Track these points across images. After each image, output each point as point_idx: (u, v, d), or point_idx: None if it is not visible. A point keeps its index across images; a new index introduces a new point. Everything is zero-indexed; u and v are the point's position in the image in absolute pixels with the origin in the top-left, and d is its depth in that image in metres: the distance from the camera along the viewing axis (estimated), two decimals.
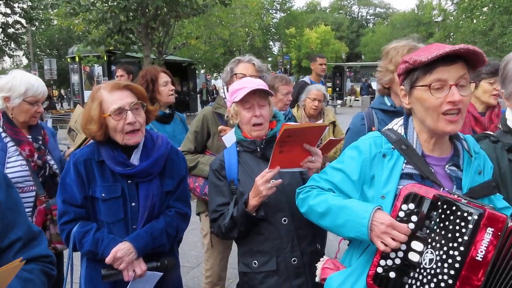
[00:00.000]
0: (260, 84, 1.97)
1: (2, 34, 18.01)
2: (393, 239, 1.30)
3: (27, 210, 2.37)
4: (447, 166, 1.45)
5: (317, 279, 1.63)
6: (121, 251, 1.83)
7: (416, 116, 1.47)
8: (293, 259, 1.88)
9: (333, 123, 4.08)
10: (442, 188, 1.37)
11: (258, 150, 1.97)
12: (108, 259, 1.82)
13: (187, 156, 2.71)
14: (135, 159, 1.95)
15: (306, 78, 5.46)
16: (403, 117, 1.56)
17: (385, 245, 1.31)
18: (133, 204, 1.92)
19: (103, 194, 1.89)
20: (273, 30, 35.56)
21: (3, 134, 2.39)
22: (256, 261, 1.91)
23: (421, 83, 1.37)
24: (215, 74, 33.79)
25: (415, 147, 1.46)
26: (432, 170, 1.43)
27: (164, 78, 2.95)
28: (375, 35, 49.17)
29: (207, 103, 19.26)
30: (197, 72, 26.65)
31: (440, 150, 1.47)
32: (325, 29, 45.99)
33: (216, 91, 20.99)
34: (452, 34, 27.55)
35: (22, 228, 1.12)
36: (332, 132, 4.01)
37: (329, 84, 25.08)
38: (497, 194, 1.50)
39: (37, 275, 1.12)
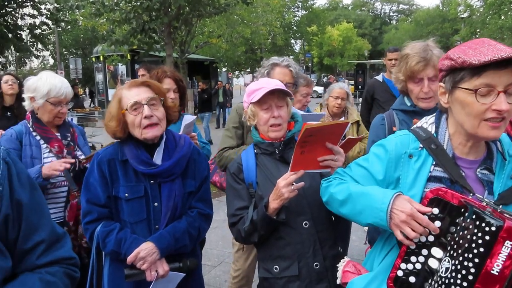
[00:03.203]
0: (278, 84, 1.92)
1: (29, 35, 18.50)
2: (413, 230, 1.25)
3: (60, 205, 2.44)
4: (479, 169, 1.37)
5: (338, 282, 1.60)
6: (144, 251, 1.83)
7: (453, 117, 1.37)
8: (315, 263, 1.83)
9: (357, 123, 4.00)
10: (471, 194, 1.29)
11: (277, 152, 1.92)
12: (129, 258, 1.83)
13: (229, 152, 2.63)
14: (157, 158, 1.95)
15: (379, 76, 4.64)
16: (434, 114, 1.48)
17: (405, 236, 1.26)
18: (155, 204, 1.92)
19: (126, 194, 1.90)
20: (294, 28, 35.35)
21: (34, 133, 2.47)
22: (277, 266, 1.87)
23: (466, 86, 1.26)
24: (236, 72, 33.88)
25: (446, 147, 1.38)
26: (463, 174, 1.35)
27: (167, 84, 2.85)
28: (399, 32, 48.33)
29: (224, 106, 17.97)
30: (219, 70, 26.79)
31: (475, 154, 1.39)
32: (347, 27, 45.44)
33: (230, 91, 19.34)
34: (478, 30, 26.75)
35: (46, 230, 1.12)
36: (356, 131, 3.93)
37: (352, 82, 24.74)
38: None
39: (60, 277, 1.11)
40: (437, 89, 1.42)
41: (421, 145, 1.40)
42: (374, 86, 4.59)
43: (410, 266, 1.31)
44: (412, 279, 1.30)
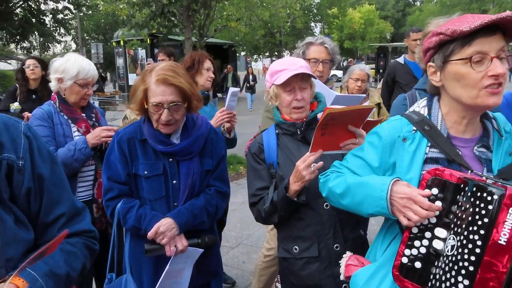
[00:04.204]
0: (302, 66, 1.88)
1: (52, 20, 18.79)
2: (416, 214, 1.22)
3: (88, 183, 2.51)
4: (476, 147, 1.33)
5: (341, 277, 1.55)
6: (164, 226, 1.87)
7: (448, 94, 1.34)
8: (335, 245, 1.82)
9: (378, 105, 3.95)
10: (469, 171, 1.26)
11: (298, 132, 1.90)
12: (150, 233, 1.87)
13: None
14: (175, 138, 1.98)
15: (401, 58, 4.57)
16: (426, 98, 1.44)
17: (409, 219, 1.24)
18: (174, 181, 1.95)
19: (145, 172, 1.93)
20: (314, 10, 34.72)
21: (61, 113, 2.51)
22: (297, 247, 1.87)
23: (458, 57, 1.24)
24: (255, 56, 33.65)
25: (440, 128, 1.35)
26: (460, 153, 1.31)
27: (208, 64, 3.05)
28: (423, 14, 46.84)
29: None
30: (237, 54, 26.65)
31: (471, 132, 1.36)
32: (369, 9, 44.34)
33: (254, 76, 18.27)
34: (508, 11, 25.65)
35: (66, 204, 1.15)
36: (377, 114, 3.88)
37: (373, 66, 24.27)
38: None
39: (79, 248, 1.15)
40: None
41: (414, 128, 1.37)
42: (395, 69, 4.50)
43: (414, 252, 1.26)
44: (418, 264, 1.26)
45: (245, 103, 17.67)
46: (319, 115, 1.89)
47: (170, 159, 1.96)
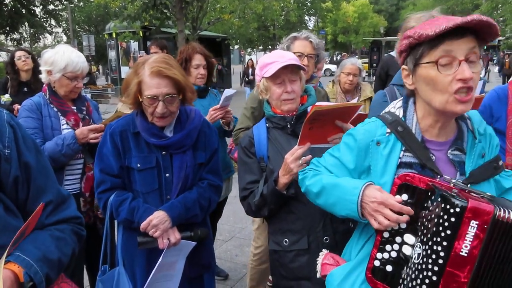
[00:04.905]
0: (291, 58, 1.90)
1: (42, 11, 18.55)
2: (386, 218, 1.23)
3: (75, 176, 2.49)
4: (449, 150, 1.33)
5: (318, 275, 1.57)
6: (157, 219, 1.88)
7: (420, 97, 1.33)
8: (325, 238, 1.84)
9: (370, 99, 3.97)
10: (439, 176, 1.27)
11: (288, 126, 1.91)
12: (143, 225, 1.88)
13: (245, 132, 2.60)
14: (168, 131, 1.98)
15: (394, 52, 4.81)
16: (402, 98, 1.44)
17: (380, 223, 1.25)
18: (167, 174, 1.96)
19: (138, 165, 1.93)
20: (308, 4, 34.62)
21: (51, 105, 2.49)
22: (287, 240, 1.89)
23: (426, 60, 1.23)
24: (249, 50, 33.53)
25: (414, 131, 1.34)
26: (433, 157, 1.31)
27: (197, 61, 2.96)
28: (417, 8, 46.90)
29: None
30: (231, 48, 26.52)
31: (446, 135, 1.36)
32: (363, 2, 44.32)
33: (253, 69, 17.81)
34: (500, 6, 25.84)
35: (52, 192, 1.17)
36: (368, 108, 3.90)
37: (366, 60, 24.31)
38: (505, 170, 1.39)
39: (68, 234, 1.17)
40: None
41: (388, 130, 1.36)
42: (388, 63, 4.51)
43: (386, 255, 1.29)
44: (389, 268, 1.28)
45: (243, 97, 17.55)
46: (309, 109, 1.91)
47: (163, 152, 1.95)
